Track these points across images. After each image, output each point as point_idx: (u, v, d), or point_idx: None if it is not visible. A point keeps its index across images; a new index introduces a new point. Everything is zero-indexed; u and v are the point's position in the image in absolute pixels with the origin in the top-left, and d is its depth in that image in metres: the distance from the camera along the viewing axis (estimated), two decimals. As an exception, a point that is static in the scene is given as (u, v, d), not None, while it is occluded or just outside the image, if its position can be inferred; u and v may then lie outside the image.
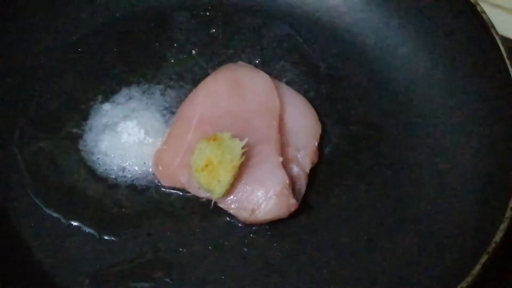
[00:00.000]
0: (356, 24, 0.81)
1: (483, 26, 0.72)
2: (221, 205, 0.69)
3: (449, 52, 0.76)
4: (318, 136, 0.74)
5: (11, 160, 0.72)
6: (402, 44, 0.79)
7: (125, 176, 0.72)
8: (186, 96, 0.76)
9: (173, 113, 0.75)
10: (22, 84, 0.77)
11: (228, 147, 0.67)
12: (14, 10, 0.79)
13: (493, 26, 0.72)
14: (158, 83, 0.78)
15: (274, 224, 0.69)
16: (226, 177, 0.67)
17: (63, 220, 0.69)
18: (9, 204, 0.70)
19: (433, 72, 0.77)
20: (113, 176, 0.72)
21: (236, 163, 0.67)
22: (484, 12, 0.73)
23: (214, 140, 0.68)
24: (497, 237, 0.61)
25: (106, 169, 0.72)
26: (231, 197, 0.68)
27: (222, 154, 0.67)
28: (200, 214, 0.70)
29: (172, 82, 0.78)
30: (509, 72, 0.70)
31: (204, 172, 0.67)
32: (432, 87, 0.77)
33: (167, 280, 0.66)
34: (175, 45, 0.81)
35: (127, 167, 0.72)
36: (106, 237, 0.68)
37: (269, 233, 0.69)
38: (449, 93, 0.76)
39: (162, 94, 0.77)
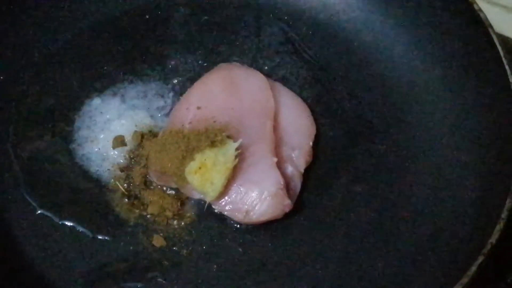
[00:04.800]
0: (353, 22, 0.81)
1: (480, 25, 0.72)
2: (215, 207, 0.68)
3: (446, 51, 0.76)
4: (312, 136, 0.73)
5: (5, 159, 0.72)
6: (398, 43, 0.79)
7: (118, 175, 0.71)
8: (181, 95, 0.76)
9: (167, 111, 0.75)
10: (16, 82, 0.77)
11: (221, 149, 0.67)
12: (7, 8, 0.78)
13: (490, 25, 0.72)
14: (153, 81, 0.77)
15: (269, 224, 0.68)
16: (219, 179, 0.66)
17: (56, 220, 0.69)
18: (2, 203, 0.70)
19: (430, 71, 0.77)
20: (106, 175, 0.71)
21: (230, 165, 0.67)
22: (481, 11, 0.72)
23: (208, 141, 0.68)
24: (493, 238, 0.61)
25: (98, 169, 0.72)
26: (225, 198, 0.68)
27: (216, 156, 0.67)
28: (194, 214, 0.69)
29: (167, 81, 0.78)
30: (506, 71, 0.70)
31: (197, 175, 0.66)
32: (429, 86, 0.77)
33: (161, 280, 0.66)
34: (171, 43, 0.80)
35: (121, 166, 0.72)
36: (99, 237, 0.68)
37: (263, 233, 0.69)
38: (446, 92, 0.75)
39: (157, 93, 0.77)
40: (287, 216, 0.68)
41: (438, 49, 0.76)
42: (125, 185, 0.70)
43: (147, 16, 0.82)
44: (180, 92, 0.76)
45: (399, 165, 0.73)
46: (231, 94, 0.73)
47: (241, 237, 0.68)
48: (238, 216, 0.68)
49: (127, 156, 0.72)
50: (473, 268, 0.60)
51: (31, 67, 0.78)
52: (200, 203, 0.69)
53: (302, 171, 0.71)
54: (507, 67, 0.69)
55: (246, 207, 0.67)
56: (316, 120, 0.75)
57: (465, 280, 0.59)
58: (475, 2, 0.73)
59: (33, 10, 0.80)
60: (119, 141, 0.72)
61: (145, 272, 0.66)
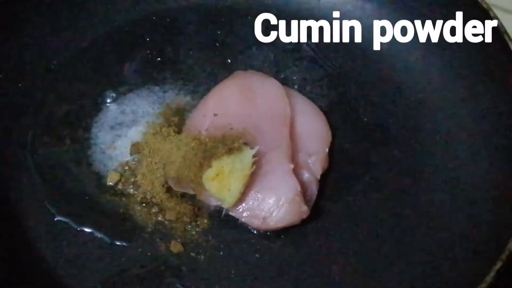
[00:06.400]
0: (369, 30, 0.81)
1: (496, 32, 0.72)
2: (232, 214, 0.69)
3: (462, 57, 0.76)
4: (328, 142, 0.74)
5: (23, 166, 0.73)
6: (414, 50, 0.79)
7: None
8: (197, 101, 0.76)
9: (184, 118, 0.75)
10: (34, 89, 0.77)
11: (239, 156, 0.67)
12: (25, 15, 0.79)
13: (505, 32, 0.72)
14: (169, 88, 0.78)
15: (285, 230, 0.69)
16: (236, 186, 0.66)
17: (74, 226, 0.69)
18: (21, 209, 0.70)
19: (445, 78, 0.77)
20: (123, 181, 0.72)
21: (247, 172, 0.67)
22: (497, 18, 0.73)
23: (225, 148, 0.68)
24: (511, 245, 0.61)
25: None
26: (243, 205, 0.68)
27: (233, 163, 0.67)
28: (212, 220, 0.70)
29: (183, 87, 0.78)
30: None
31: (214, 181, 0.67)
32: (444, 93, 0.77)
33: (179, 285, 0.66)
34: (186, 49, 0.81)
35: (138, 172, 0.72)
36: (117, 243, 0.69)
37: (281, 239, 0.69)
38: (461, 99, 0.76)
39: (173, 99, 0.77)
40: (304, 222, 0.69)
41: (454, 56, 0.76)
42: (142, 191, 0.71)
43: (163, 23, 0.83)
44: (197, 99, 0.77)
45: (416, 172, 0.73)
46: (248, 101, 0.73)
47: (258, 243, 0.68)
48: (256, 223, 0.68)
49: (144, 162, 0.72)
50: (492, 274, 0.60)
51: (48, 75, 0.79)
52: (217, 209, 0.70)
53: (319, 177, 0.71)
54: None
55: (264, 213, 0.67)
56: (332, 127, 0.75)
57: (483, 286, 0.60)
58: (491, 9, 0.73)
59: (50, 18, 0.80)
60: (136, 148, 0.73)
61: (163, 277, 0.67)
